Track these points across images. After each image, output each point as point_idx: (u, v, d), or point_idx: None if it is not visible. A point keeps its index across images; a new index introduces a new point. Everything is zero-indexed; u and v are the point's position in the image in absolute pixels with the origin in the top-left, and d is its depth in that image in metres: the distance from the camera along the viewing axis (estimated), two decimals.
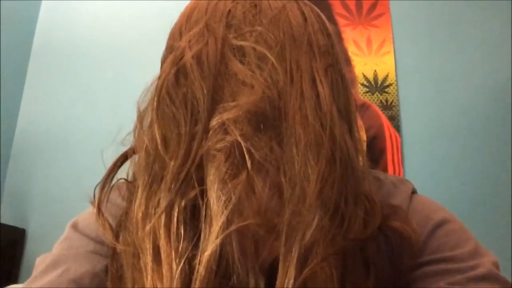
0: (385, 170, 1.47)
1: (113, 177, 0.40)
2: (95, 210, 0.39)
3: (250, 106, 0.35)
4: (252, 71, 0.36)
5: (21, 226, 1.49)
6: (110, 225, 0.38)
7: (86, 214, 0.44)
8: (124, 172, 0.41)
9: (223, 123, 0.35)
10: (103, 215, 0.38)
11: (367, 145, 1.48)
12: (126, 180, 0.40)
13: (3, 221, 1.47)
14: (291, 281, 0.31)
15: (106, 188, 0.40)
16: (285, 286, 0.31)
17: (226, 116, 0.35)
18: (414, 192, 0.45)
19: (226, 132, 0.34)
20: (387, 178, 0.45)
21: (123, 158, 0.41)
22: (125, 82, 1.61)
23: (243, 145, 0.34)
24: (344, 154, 0.36)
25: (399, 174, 1.47)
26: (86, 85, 1.65)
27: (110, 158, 0.43)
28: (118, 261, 0.37)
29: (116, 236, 0.37)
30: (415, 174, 1.47)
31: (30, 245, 1.48)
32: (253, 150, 0.34)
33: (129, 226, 0.36)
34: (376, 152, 1.48)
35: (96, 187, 0.40)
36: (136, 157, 0.39)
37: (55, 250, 0.42)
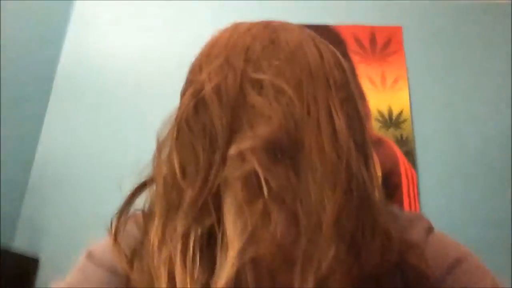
0: (401, 205, 1.45)
1: (131, 206, 0.41)
2: (110, 238, 0.40)
3: (267, 136, 0.35)
4: (270, 103, 0.37)
5: (35, 255, 1.49)
6: (125, 253, 0.38)
7: (101, 244, 0.44)
8: (141, 203, 0.41)
9: (240, 152, 0.35)
10: (119, 244, 0.39)
11: (382, 181, 1.47)
12: (142, 210, 0.41)
13: (17, 250, 1.48)
14: None
15: (123, 217, 0.40)
16: None
17: (243, 145, 0.35)
18: (431, 228, 0.45)
19: (243, 160, 0.35)
20: (403, 213, 0.45)
21: (141, 187, 0.41)
22: (145, 116, 1.64)
23: (260, 174, 0.34)
24: (361, 185, 0.36)
25: (414, 210, 1.44)
26: (106, 118, 1.69)
27: (127, 190, 0.44)
28: None
29: (131, 264, 0.37)
30: (431, 210, 1.44)
31: (42, 274, 1.48)
32: (269, 179, 0.34)
33: (145, 254, 0.36)
34: (391, 187, 1.47)
35: (113, 215, 0.41)
36: (153, 187, 0.40)
37: (69, 279, 0.42)
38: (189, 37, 1.74)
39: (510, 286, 0.39)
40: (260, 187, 0.34)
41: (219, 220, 0.34)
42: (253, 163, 0.34)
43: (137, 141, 1.59)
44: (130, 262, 0.38)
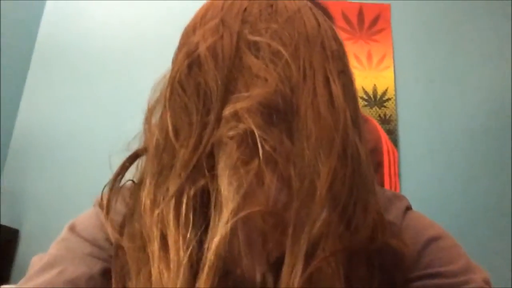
0: (382, 183, 1.48)
1: (122, 177, 0.40)
2: (99, 211, 0.40)
3: (262, 98, 0.35)
4: (266, 65, 0.37)
5: (15, 226, 1.48)
6: (114, 224, 0.38)
7: (83, 217, 0.44)
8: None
9: (236, 112, 0.35)
10: (110, 216, 0.38)
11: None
12: (132, 181, 0.40)
13: None
14: (298, 273, 0.31)
15: (114, 189, 0.39)
16: (291, 278, 0.31)
17: (239, 105, 0.35)
18: (408, 208, 0.46)
19: (239, 120, 0.34)
20: (384, 193, 0.46)
21: (133, 157, 0.41)
22: (129, 85, 1.62)
23: (256, 133, 0.34)
24: (355, 154, 0.36)
25: (395, 188, 1.47)
26: (87, 87, 1.66)
27: (109, 161, 0.43)
28: (122, 259, 0.37)
29: (121, 232, 0.37)
30: (412, 188, 1.48)
31: (23, 246, 1.47)
32: (263, 141, 0.34)
33: (136, 219, 0.36)
34: (373, 165, 1.49)
35: (104, 187, 0.40)
36: (144, 157, 0.39)
37: (52, 250, 0.41)
38: (178, 3, 1.69)
39: (490, 262, 0.40)
40: (256, 148, 0.34)
41: (213, 180, 0.34)
42: (249, 123, 0.34)
43: (122, 111, 1.57)
44: (120, 232, 0.37)
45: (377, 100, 1.59)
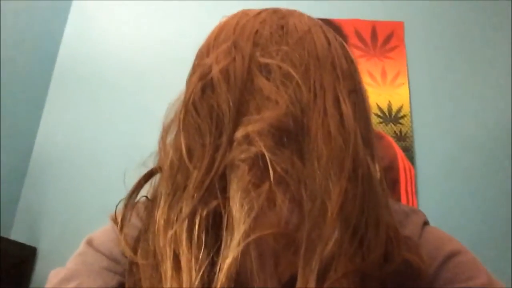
0: (398, 200, 1.46)
1: (137, 195, 0.41)
2: (115, 226, 0.40)
3: (274, 120, 0.35)
4: (277, 88, 0.37)
5: (33, 244, 1.50)
6: (129, 241, 0.39)
7: (101, 232, 0.45)
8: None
9: (247, 135, 0.35)
10: (124, 233, 0.39)
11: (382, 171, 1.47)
12: (146, 197, 0.41)
13: (15, 238, 1.48)
14: None
15: (129, 206, 0.40)
16: None
17: (251, 128, 0.35)
18: (426, 223, 0.45)
19: (250, 143, 0.35)
20: (400, 207, 0.45)
21: (148, 175, 0.42)
22: (146, 107, 1.64)
23: (267, 156, 0.34)
24: (366, 174, 0.36)
25: (412, 205, 1.45)
26: (104, 109, 1.69)
27: (127, 180, 0.44)
28: (135, 276, 0.37)
29: (135, 250, 0.38)
30: (429, 206, 1.45)
31: (40, 264, 1.48)
32: (275, 163, 0.34)
33: (150, 237, 0.36)
34: (389, 182, 1.47)
35: (118, 203, 0.41)
36: (159, 175, 0.40)
37: (69, 265, 0.42)
38: (191, 27, 1.73)
39: (510, 283, 0.39)
40: (266, 170, 0.34)
41: (225, 202, 0.34)
42: (260, 146, 0.34)
43: (137, 131, 1.59)
44: (135, 248, 0.38)
45: (392, 117, 1.58)
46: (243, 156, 0.35)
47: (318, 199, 0.34)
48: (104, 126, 1.66)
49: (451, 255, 0.41)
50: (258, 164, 0.34)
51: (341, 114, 0.38)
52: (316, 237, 0.33)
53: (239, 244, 0.32)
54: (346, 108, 0.38)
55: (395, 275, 0.37)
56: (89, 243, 0.43)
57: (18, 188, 1.58)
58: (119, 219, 0.40)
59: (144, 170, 0.42)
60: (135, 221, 0.40)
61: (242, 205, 0.33)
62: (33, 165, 1.63)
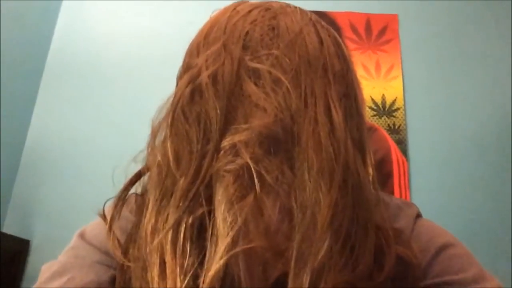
0: (391, 194, 1.47)
1: (127, 195, 0.41)
2: (105, 224, 0.40)
3: (262, 129, 0.35)
4: (266, 94, 0.37)
5: (26, 237, 1.49)
6: (119, 241, 0.39)
7: (93, 225, 0.45)
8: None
9: (234, 145, 0.35)
10: (113, 232, 0.39)
11: (374, 169, 1.48)
12: (136, 194, 0.41)
13: (8, 231, 1.47)
14: None
15: (119, 206, 0.40)
16: None
17: (237, 138, 0.35)
18: (419, 215, 0.45)
19: (236, 154, 0.35)
20: (393, 200, 0.45)
21: (137, 176, 0.41)
22: (137, 101, 1.63)
23: (252, 168, 0.34)
24: (356, 183, 0.36)
25: (405, 198, 1.46)
26: (98, 102, 1.67)
27: (118, 174, 0.44)
28: (127, 274, 0.37)
29: (126, 251, 0.38)
30: (422, 199, 1.46)
31: (34, 256, 1.48)
32: (263, 173, 0.34)
33: (139, 240, 0.36)
34: (382, 175, 1.48)
35: (106, 202, 0.41)
36: (148, 174, 0.40)
37: (61, 258, 0.42)
38: (184, 21, 1.71)
39: (505, 277, 0.39)
40: (252, 182, 0.34)
41: (210, 211, 0.34)
42: (246, 158, 0.34)
43: (129, 126, 1.58)
44: (125, 250, 0.38)
45: (386, 110, 1.59)
46: (228, 167, 0.34)
47: (308, 210, 0.33)
48: (96, 120, 1.65)
49: (443, 248, 0.41)
50: (243, 176, 0.34)
51: (332, 122, 0.37)
52: (306, 249, 0.33)
53: (221, 257, 0.32)
54: (337, 116, 0.38)
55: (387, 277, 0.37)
56: (82, 236, 0.43)
57: (10, 181, 1.57)
58: (108, 218, 0.40)
59: (135, 166, 0.41)
60: (125, 214, 0.40)
61: (225, 218, 0.33)
62: (25, 158, 1.62)
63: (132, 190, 0.42)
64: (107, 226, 0.39)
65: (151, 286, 0.33)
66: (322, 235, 0.33)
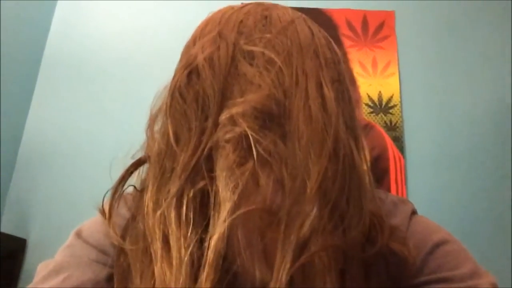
0: (388, 190, 1.47)
1: (124, 184, 0.41)
2: (103, 216, 0.40)
3: (256, 103, 0.36)
4: (260, 73, 0.38)
5: (22, 236, 1.49)
6: (117, 229, 0.39)
7: (90, 223, 0.45)
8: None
9: (232, 117, 0.36)
10: (112, 221, 0.39)
11: (370, 165, 1.48)
12: (134, 187, 0.41)
13: (4, 230, 1.47)
14: (287, 266, 0.32)
15: (117, 195, 0.41)
16: (280, 271, 0.32)
17: (235, 110, 0.36)
18: (414, 212, 0.45)
19: (234, 124, 0.36)
20: (388, 197, 0.46)
21: (137, 164, 0.42)
22: (134, 96, 1.63)
23: (250, 136, 0.35)
24: (348, 155, 0.37)
25: (401, 195, 1.46)
26: (94, 97, 1.67)
27: (116, 171, 0.44)
28: (124, 262, 0.38)
29: (124, 237, 0.38)
30: (418, 195, 1.47)
31: (30, 255, 1.47)
32: (258, 144, 0.35)
33: (139, 220, 0.37)
34: (379, 172, 1.48)
35: (106, 193, 0.41)
36: (147, 164, 0.40)
37: (58, 257, 0.42)
38: (184, 15, 1.71)
39: (502, 271, 0.40)
40: (250, 150, 0.35)
41: (211, 181, 0.35)
42: (244, 127, 0.35)
43: (127, 120, 1.58)
44: (123, 237, 0.38)
45: (383, 107, 1.59)
46: (227, 136, 0.36)
47: (298, 177, 0.35)
48: (94, 115, 1.64)
49: (439, 244, 0.41)
50: (242, 144, 0.35)
51: (323, 97, 0.39)
52: (296, 213, 0.34)
53: (225, 220, 0.33)
54: (328, 92, 0.39)
55: (380, 264, 0.38)
56: (78, 235, 0.43)
57: (7, 179, 1.56)
58: (106, 209, 0.40)
59: (130, 162, 0.42)
60: (123, 211, 0.41)
61: (227, 183, 0.34)
62: (22, 156, 1.61)
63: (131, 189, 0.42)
64: (106, 216, 0.40)
65: (154, 261, 0.34)
66: (311, 200, 0.34)
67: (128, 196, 0.42)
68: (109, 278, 0.39)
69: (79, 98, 1.67)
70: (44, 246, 1.47)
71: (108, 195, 0.41)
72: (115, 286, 0.38)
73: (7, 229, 1.48)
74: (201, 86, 0.38)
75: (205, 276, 0.32)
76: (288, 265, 0.32)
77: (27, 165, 1.60)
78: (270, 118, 0.37)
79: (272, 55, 0.39)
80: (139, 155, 0.42)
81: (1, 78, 1.51)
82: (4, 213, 1.54)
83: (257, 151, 0.35)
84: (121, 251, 0.38)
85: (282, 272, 0.32)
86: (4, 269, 1.41)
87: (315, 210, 0.33)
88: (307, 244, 0.33)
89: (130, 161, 0.42)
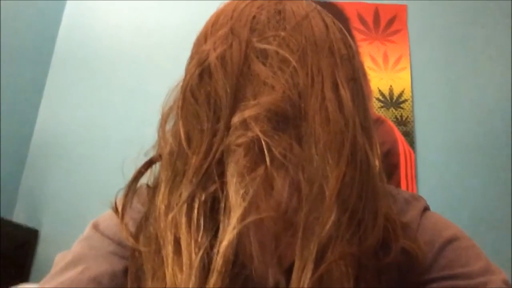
0: (398, 185, 1.46)
1: (137, 183, 0.41)
2: (117, 214, 0.40)
3: (270, 105, 0.36)
4: (274, 73, 0.37)
5: (35, 227, 1.51)
6: (131, 229, 0.39)
7: (106, 215, 0.45)
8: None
9: (244, 120, 0.35)
10: (125, 221, 0.39)
11: (381, 161, 1.47)
12: (147, 185, 0.41)
13: (17, 221, 1.49)
14: (308, 275, 0.32)
15: (129, 195, 0.41)
16: (301, 280, 0.32)
17: (247, 113, 0.35)
18: (426, 209, 0.45)
19: (247, 128, 0.35)
20: (400, 194, 0.45)
21: (148, 164, 0.42)
22: (144, 90, 1.63)
23: (263, 141, 0.34)
24: (364, 160, 0.37)
25: (412, 190, 1.46)
26: (105, 90, 1.68)
27: (126, 165, 0.44)
28: (138, 261, 0.38)
29: (137, 238, 0.38)
30: (428, 190, 1.46)
31: (42, 246, 1.50)
32: (272, 147, 0.35)
33: (151, 222, 0.37)
34: (389, 167, 1.47)
35: (118, 192, 0.41)
36: (159, 163, 0.40)
37: (76, 248, 0.42)
38: (191, 10, 1.71)
39: (509, 264, 0.39)
40: (263, 155, 0.34)
41: (222, 186, 0.35)
42: (256, 131, 0.35)
43: (137, 114, 1.59)
44: (136, 236, 0.38)
45: (394, 102, 1.58)
46: (239, 141, 0.35)
47: (316, 182, 0.34)
48: (104, 109, 1.65)
49: (450, 241, 0.41)
50: (254, 149, 0.35)
51: (339, 99, 0.38)
52: (314, 220, 0.33)
53: (234, 227, 0.32)
54: (345, 93, 0.38)
55: (393, 266, 0.38)
56: (95, 227, 0.44)
57: (19, 170, 1.59)
58: (119, 208, 0.40)
59: (145, 158, 0.42)
60: (137, 206, 0.41)
61: (237, 189, 0.33)
62: (34, 147, 1.63)
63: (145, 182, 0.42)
64: (119, 216, 0.40)
65: (165, 263, 0.34)
66: (330, 206, 0.33)
67: (142, 190, 0.42)
68: (126, 270, 0.40)
69: (89, 92, 1.68)
70: (56, 237, 1.49)
71: (121, 194, 0.41)
72: (128, 283, 0.38)
73: (20, 219, 1.51)
74: (213, 87, 0.38)
75: (214, 281, 0.32)
76: (309, 274, 0.32)
77: (39, 157, 1.62)
78: (285, 120, 0.36)
79: (287, 54, 0.38)
80: (152, 152, 0.42)
81: (13, 73, 1.52)
82: (17, 204, 1.56)
83: (272, 155, 0.34)
84: (135, 248, 0.39)
85: (303, 281, 0.32)
86: (17, 259, 1.44)
87: (333, 217, 0.33)
88: (326, 252, 0.32)
89: (141, 157, 0.42)
